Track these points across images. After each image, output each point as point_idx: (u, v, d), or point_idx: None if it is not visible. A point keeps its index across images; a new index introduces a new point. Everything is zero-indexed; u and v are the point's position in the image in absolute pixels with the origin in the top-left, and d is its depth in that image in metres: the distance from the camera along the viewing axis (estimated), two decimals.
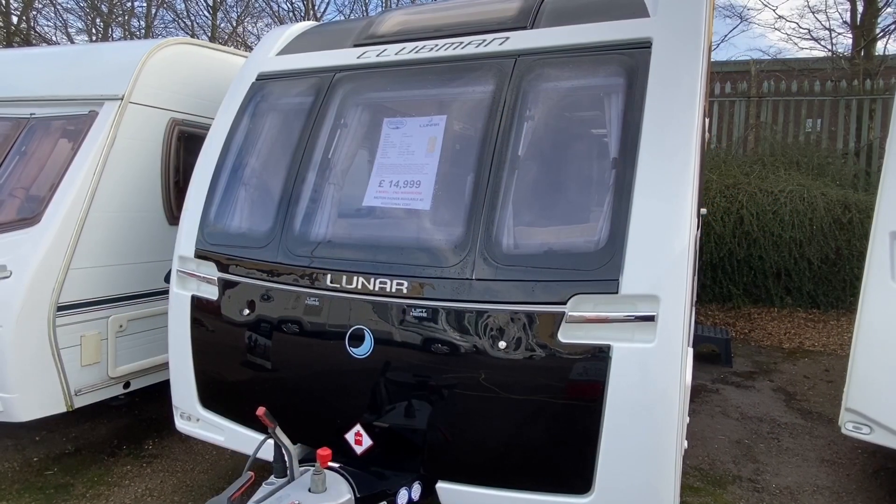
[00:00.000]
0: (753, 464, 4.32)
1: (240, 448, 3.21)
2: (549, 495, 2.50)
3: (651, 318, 2.34)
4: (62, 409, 3.64)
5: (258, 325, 3.07)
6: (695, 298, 6.52)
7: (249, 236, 3.17)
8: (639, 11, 2.86)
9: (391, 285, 2.73)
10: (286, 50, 3.79)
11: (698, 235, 6.65)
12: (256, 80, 3.68)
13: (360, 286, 2.79)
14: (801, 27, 19.26)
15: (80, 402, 3.74)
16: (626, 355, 2.36)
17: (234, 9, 18.48)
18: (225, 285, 3.19)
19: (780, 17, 17.76)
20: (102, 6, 18.48)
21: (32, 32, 17.75)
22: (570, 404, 2.46)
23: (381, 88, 3.29)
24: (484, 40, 3.12)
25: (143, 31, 18.24)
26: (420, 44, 3.28)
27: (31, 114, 4.04)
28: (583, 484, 2.43)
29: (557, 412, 2.49)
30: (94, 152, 3.69)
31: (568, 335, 2.44)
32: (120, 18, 18.32)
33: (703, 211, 7.00)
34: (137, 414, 4.82)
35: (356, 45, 3.49)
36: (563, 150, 2.76)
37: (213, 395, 3.30)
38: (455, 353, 2.62)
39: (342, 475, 2.53)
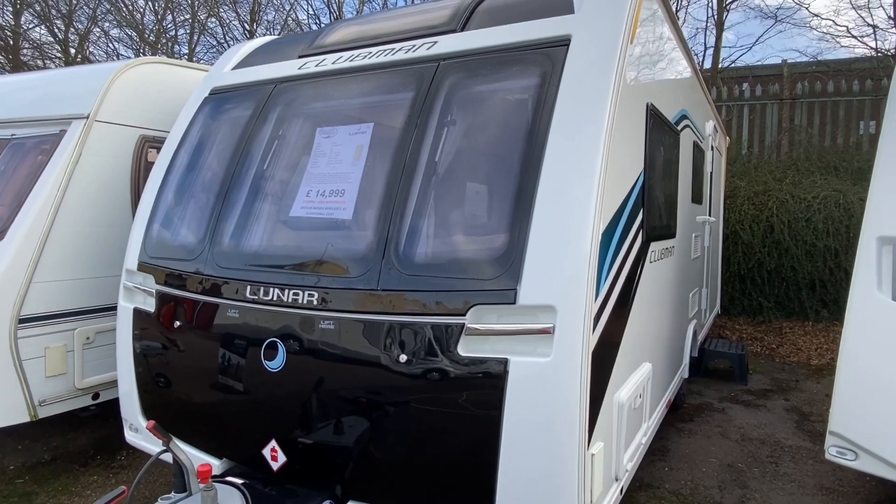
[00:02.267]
0: (741, 490, 4.00)
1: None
2: None
3: (548, 331, 2.18)
4: (25, 418, 3.74)
5: (189, 337, 3.07)
6: (707, 314, 6.15)
7: (183, 249, 3.19)
8: (565, 8, 2.73)
9: (303, 297, 2.67)
10: (241, 64, 3.83)
11: (712, 244, 6.30)
12: (209, 94, 3.73)
13: (275, 298, 2.75)
14: (837, 24, 18.17)
15: (44, 413, 3.83)
16: (522, 370, 2.21)
17: (269, 33, 19.10)
18: (161, 298, 3.22)
19: (814, 14, 16.79)
20: (151, 36, 19.53)
21: (87, 63, 18.88)
22: (469, 421, 2.32)
23: (317, 98, 3.27)
24: (413, 45, 3.05)
25: (186, 57, 19.10)
26: (357, 52, 3.25)
27: (11, 134, 4.23)
28: (485, 503, 2.28)
29: (458, 429, 2.36)
30: (58, 169, 3.82)
31: (468, 348, 2.31)
32: (164, 47, 19.23)
33: (711, 219, 6.64)
34: (120, 425, 4.92)
35: (300, 57, 3.49)
36: (474, 157, 2.64)
37: (153, 408, 3.31)
38: (361, 366, 2.53)
39: (240, 491, 2.47)
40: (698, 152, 5.24)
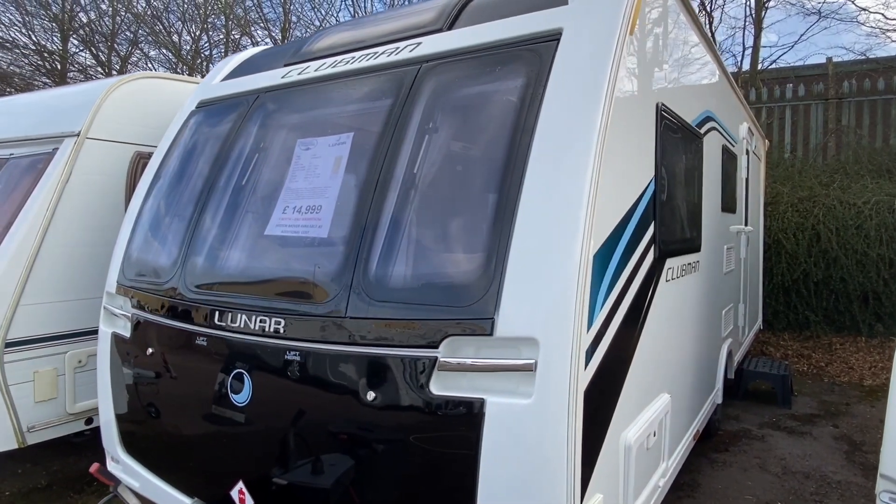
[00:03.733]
0: None
1: (153, 497, 3.00)
2: None
3: (529, 368, 1.88)
4: (13, 445, 3.63)
5: (161, 366, 2.88)
6: (746, 331, 5.62)
7: (157, 271, 3.01)
8: (558, 0, 2.44)
9: (269, 324, 2.43)
10: (230, 75, 3.67)
11: (742, 256, 5.82)
12: (196, 107, 3.58)
13: (242, 325, 2.52)
14: (887, 18, 17.06)
15: (33, 439, 3.72)
16: (499, 412, 1.90)
17: None
18: (136, 323, 3.04)
19: (861, 9, 15.81)
20: (188, 56, 20.03)
21: None
22: (443, 472, 2.03)
23: (298, 108, 3.06)
24: (397, 48, 2.81)
25: None
26: (341, 57, 3.03)
27: (10, 154, 4.18)
28: None
29: (431, 480, 2.07)
30: (47, 188, 3.73)
31: (441, 385, 2.02)
32: (200, 66, 19.67)
33: (748, 228, 6.16)
34: None
35: (286, 65, 3.29)
36: (453, 170, 2.37)
37: (130, 440, 3.13)
38: (328, 404, 2.28)
39: None
40: (729, 157, 4.83)
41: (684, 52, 3.28)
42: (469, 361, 1.97)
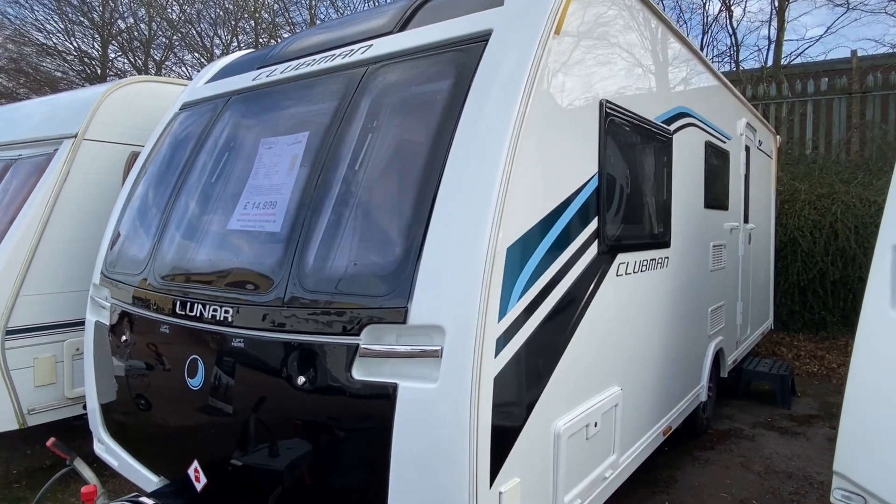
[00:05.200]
0: None
1: (129, 476, 3.20)
2: None
3: (436, 354, 1.97)
4: (14, 426, 3.89)
5: (132, 352, 3.07)
6: (747, 330, 5.50)
7: (132, 263, 3.21)
8: (496, 2, 2.52)
9: (220, 313, 2.59)
10: (213, 78, 3.85)
11: (745, 252, 5.71)
12: (179, 109, 3.77)
13: (198, 314, 2.69)
14: None
15: (33, 421, 3.98)
16: (409, 397, 2.00)
17: None
18: (113, 312, 3.24)
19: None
20: (216, 51, 20.70)
21: None
22: (363, 452, 2.15)
23: (263, 109, 3.21)
24: (351, 50, 2.93)
25: None
26: (305, 60, 3.16)
27: (18, 155, 4.47)
28: None
29: (353, 460, 2.18)
30: (46, 187, 3.99)
31: (362, 371, 2.14)
32: None
33: (750, 226, 6.07)
34: None
35: (258, 68, 3.45)
36: (385, 167, 2.46)
37: (110, 422, 3.34)
38: (267, 387, 2.42)
39: None
40: (717, 154, 4.79)
41: (644, 52, 3.31)
42: (386, 348, 2.08)
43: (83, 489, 2.28)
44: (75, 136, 4.11)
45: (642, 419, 3.41)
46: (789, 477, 4.28)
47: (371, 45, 2.84)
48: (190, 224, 3.05)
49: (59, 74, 19.16)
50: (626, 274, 3.07)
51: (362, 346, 2.13)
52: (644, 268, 3.32)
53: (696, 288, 4.34)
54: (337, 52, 3.01)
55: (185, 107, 3.74)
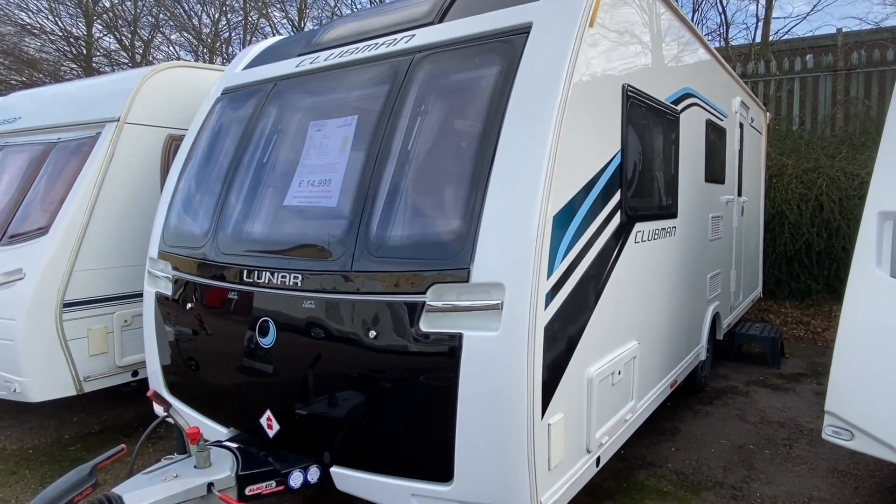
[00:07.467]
0: (746, 471, 3.97)
1: None
2: (420, 482, 2.54)
3: (497, 307, 2.31)
4: (72, 392, 4.19)
5: (198, 318, 3.38)
6: (739, 296, 5.91)
7: (192, 238, 3.49)
8: None
9: (289, 279, 2.90)
10: (251, 64, 4.10)
11: (737, 224, 6.10)
12: (221, 94, 4.02)
13: (266, 281, 2.99)
14: None
15: (89, 387, 4.28)
16: (474, 344, 2.35)
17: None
18: (175, 283, 3.54)
19: None
20: (208, 39, 20.54)
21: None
22: (431, 393, 2.49)
23: (310, 94, 3.48)
24: (395, 39, 3.21)
25: None
26: (348, 48, 3.43)
27: (58, 138, 4.69)
28: (445, 473, 2.44)
29: (421, 401, 2.52)
30: (93, 169, 4.23)
31: (428, 324, 2.47)
32: (220, 49, 20.13)
33: (743, 199, 6.45)
34: None
35: (299, 55, 3.71)
36: (439, 146, 2.77)
37: (173, 383, 3.65)
38: (338, 343, 2.74)
39: (232, 453, 2.74)
40: (715, 131, 5.14)
41: (657, 38, 3.61)
42: (450, 304, 2.41)
43: (188, 430, 2.59)
44: (117, 120, 4.34)
45: (654, 372, 3.80)
46: (782, 426, 4.72)
47: (414, 35, 3.12)
48: (247, 201, 3.34)
49: (43, 55, 18.91)
50: (642, 241, 3.43)
51: (428, 302, 2.46)
52: (656, 236, 3.67)
53: (697, 256, 4.72)
54: (380, 41, 3.28)
55: (227, 91, 3.99)
